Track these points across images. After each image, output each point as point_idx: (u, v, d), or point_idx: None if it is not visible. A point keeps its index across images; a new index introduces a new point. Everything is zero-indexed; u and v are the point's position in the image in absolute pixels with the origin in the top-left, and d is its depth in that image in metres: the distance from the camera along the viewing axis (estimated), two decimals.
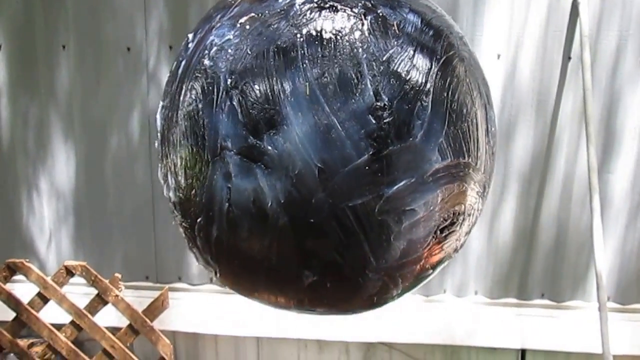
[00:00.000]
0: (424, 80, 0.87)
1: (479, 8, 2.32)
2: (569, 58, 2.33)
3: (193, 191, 0.91)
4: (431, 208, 0.90)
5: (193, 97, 0.90)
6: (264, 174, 0.83)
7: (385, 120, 0.83)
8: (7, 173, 2.66)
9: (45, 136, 2.60)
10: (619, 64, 2.32)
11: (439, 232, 0.95)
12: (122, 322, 2.31)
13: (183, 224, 0.98)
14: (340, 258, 0.87)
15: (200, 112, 0.88)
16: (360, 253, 0.87)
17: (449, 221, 0.95)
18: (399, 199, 0.86)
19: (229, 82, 0.85)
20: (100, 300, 2.28)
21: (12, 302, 2.29)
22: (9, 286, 2.29)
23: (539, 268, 2.51)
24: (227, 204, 0.87)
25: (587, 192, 2.26)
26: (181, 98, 0.91)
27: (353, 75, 0.83)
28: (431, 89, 0.87)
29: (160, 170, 1.00)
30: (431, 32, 0.92)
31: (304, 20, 0.86)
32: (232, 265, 0.95)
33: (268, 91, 0.83)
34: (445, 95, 0.89)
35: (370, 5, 0.89)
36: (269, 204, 0.84)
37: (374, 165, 0.83)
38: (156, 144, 1.03)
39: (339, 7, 0.88)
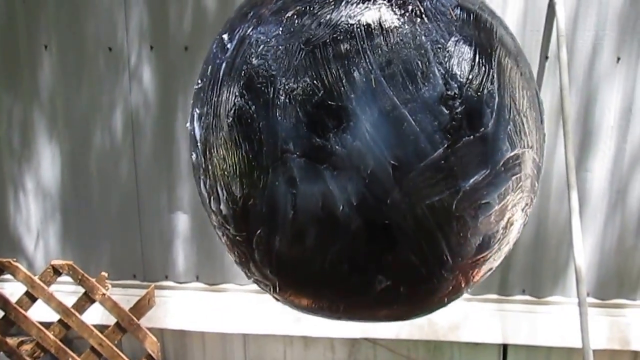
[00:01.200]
0: (488, 67, 0.82)
1: None
2: (546, 57, 2.32)
3: (251, 201, 0.83)
4: (504, 200, 0.85)
5: (243, 100, 0.82)
6: (333, 176, 0.77)
7: (457, 110, 0.78)
8: None
9: (30, 135, 2.59)
10: (595, 63, 2.31)
11: (509, 224, 0.90)
12: (110, 320, 2.31)
13: (237, 237, 0.90)
14: (416, 259, 0.82)
15: (254, 115, 0.80)
16: (438, 252, 0.83)
17: (517, 212, 0.90)
18: (475, 192, 0.81)
19: (284, 81, 0.78)
20: (87, 299, 2.28)
21: (0, 301, 2.30)
22: None
23: (520, 264, 2.51)
24: (292, 211, 0.80)
25: (565, 190, 2.25)
26: (226, 102, 0.84)
27: (420, 64, 0.78)
28: (495, 76, 0.82)
29: (203, 184, 0.91)
30: (484, 19, 0.87)
31: (359, 10, 0.80)
32: (295, 277, 0.89)
33: (330, 87, 0.77)
34: (507, 82, 0.85)
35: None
36: (340, 208, 0.78)
37: (450, 159, 0.78)
38: (193, 157, 0.94)
39: None
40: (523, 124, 0.85)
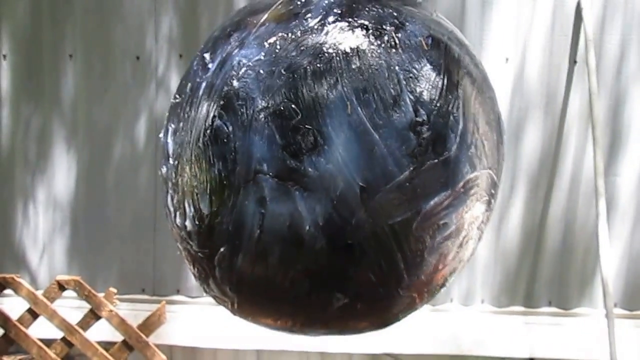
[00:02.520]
0: (454, 94, 0.88)
1: (486, 13, 2.31)
2: (575, 62, 2.32)
3: (218, 219, 0.86)
4: (461, 220, 0.90)
5: (221, 120, 0.85)
6: (303, 197, 0.80)
7: (424, 135, 0.83)
8: (4, 184, 2.58)
9: (47, 146, 2.54)
10: (623, 67, 2.31)
11: (464, 242, 0.95)
12: (117, 336, 2.23)
13: (199, 254, 0.92)
14: (374, 278, 0.86)
15: (231, 135, 0.83)
16: (396, 272, 0.86)
17: (473, 230, 0.95)
18: (435, 213, 0.86)
19: (262, 104, 0.82)
20: (93, 316, 2.19)
21: (0, 318, 2.16)
22: None
23: (546, 275, 2.47)
24: (258, 230, 0.83)
25: (593, 196, 2.23)
26: (203, 121, 0.86)
27: (392, 92, 0.83)
28: (460, 103, 0.88)
29: (170, 198, 0.93)
30: (453, 48, 0.94)
31: (338, 39, 0.85)
32: (255, 295, 0.92)
33: (306, 111, 0.81)
34: (471, 108, 0.90)
35: (397, 22, 0.90)
36: (307, 228, 0.81)
37: (414, 181, 0.83)
38: (163, 170, 0.96)
39: (369, 25, 0.88)
40: (484, 147, 0.92)
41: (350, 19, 0.88)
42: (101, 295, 2.19)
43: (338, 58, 0.83)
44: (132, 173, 2.51)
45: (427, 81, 0.85)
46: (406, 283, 0.89)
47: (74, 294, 2.22)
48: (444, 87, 0.87)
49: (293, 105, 0.81)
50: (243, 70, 0.86)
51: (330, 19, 0.88)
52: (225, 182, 0.85)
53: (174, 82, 2.43)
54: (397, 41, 0.87)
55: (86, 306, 2.22)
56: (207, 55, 0.94)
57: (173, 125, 0.94)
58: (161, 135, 1.01)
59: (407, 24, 0.91)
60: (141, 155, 2.48)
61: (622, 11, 2.28)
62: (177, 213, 0.92)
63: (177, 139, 0.92)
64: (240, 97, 0.84)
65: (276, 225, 0.83)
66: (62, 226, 2.57)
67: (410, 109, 0.83)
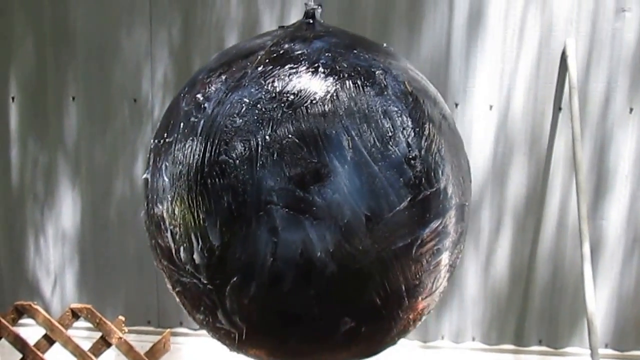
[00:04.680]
0: (437, 134, 1.05)
1: (471, 60, 2.58)
2: (560, 109, 2.57)
3: (230, 249, 0.97)
4: (450, 245, 1.07)
5: (226, 156, 0.97)
6: (313, 225, 0.93)
7: (417, 169, 0.99)
8: (16, 217, 2.91)
9: (54, 182, 2.86)
10: (608, 114, 2.55)
11: (451, 267, 1.12)
12: None
13: (208, 286, 1.02)
14: (379, 301, 0.99)
15: (238, 170, 0.95)
16: (398, 294, 1.01)
17: (454, 255, 1.12)
18: (431, 239, 1.02)
19: (268, 139, 0.94)
20: (103, 343, 2.39)
21: (19, 343, 2.42)
22: (14, 329, 2.52)
23: (535, 314, 2.69)
24: (271, 258, 0.95)
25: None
26: (207, 158, 0.98)
27: (388, 129, 0.98)
28: (442, 141, 1.05)
29: (170, 235, 1.03)
30: (429, 92, 1.11)
31: (333, 81, 1.00)
32: (265, 323, 1.03)
33: (312, 146, 0.94)
34: (450, 146, 1.07)
35: (383, 67, 1.06)
36: (318, 254, 0.93)
37: (412, 210, 0.98)
38: (156, 209, 1.06)
39: (361, 69, 1.03)
40: (463, 181, 1.10)
41: (343, 63, 1.03)
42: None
43: (335, 97, 0.97)
44: (132, 211, 2.79)
45: (414, 121, 1.01)
46: (406, 305, 1.03)
47: (83, 325, 2.47)
48: (430, 128, 1.03)
49: (297, 140, 0.94)
50: (244, 108, 0.99)
51: (323, 62, 1.02)
52: (235, 214, 0.95)
53: None
54: (386, 84, 1.02)
55: (93, 337, 2.45)
56: (199, 96, 1.06)
57: (167, 164, 1.05)
58: (146, 175, 1.14)
59: (392, 69, 1.07)
60: (140, 194, 2.67)
61: (606, 58, 2.52)
62: (181, 248, 1.03)
63: (175, 176, 1.02)
64: (244, 134, 0.97)
65: (288, 253, 0.94)
66: (71, 259, 2.87)
67: (404, 144, 0.98)
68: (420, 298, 1.06)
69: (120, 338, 2.53)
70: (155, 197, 1.09)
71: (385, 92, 1.02)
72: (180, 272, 1.06)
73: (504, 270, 2.73)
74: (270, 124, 0.96)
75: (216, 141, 0.99)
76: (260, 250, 0.96)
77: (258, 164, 0.95)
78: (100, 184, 2.88)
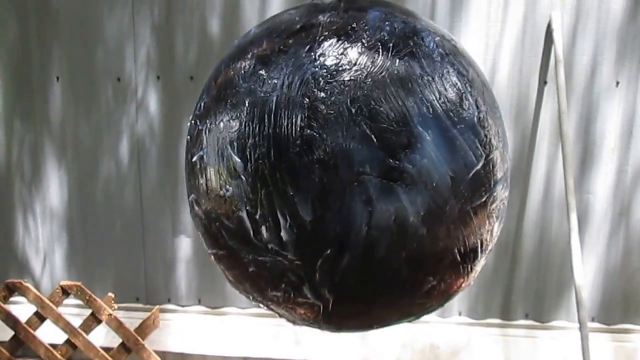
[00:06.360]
0: (492, 94, 1.10)
1: (455, 34, 2.55)
2: (545, 82, 2.58)
3: (323, 224, 0.97)
4: (506, 203, 1.13)
5: (311, 129, 0.96)
6: (405, 192, 0.95)
7: (487, 129, 1.03)
8: (3, 196, 2.95)
9: (40, 162, 2.89)
10: (594, 87, 2.57)
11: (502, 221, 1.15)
12: (113, 342, 2.56)
13: (296, 262, 1.01)
14: (459, 257, 1.03)
15: (326, 142, 0.95)
16: (474, 249, 1.05)
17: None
18: (499, 197, 1.07)
19: (354, 111, 0.95)
20: (94, 319, 2.49)
21: (11, 320, 2.51)
22: (5, 306, 2.54)
23: (521, 288, 2.72)
24: (366, 228, 0.96)
25: (566, 210, 2.49)
26: (289, 133, 0.97)
27: (459, 93, 1.01)
28: (495, 103, 1.10)
29: (248, 216, 1.00)
30: (464, 52, 1.14)
31: (405, 52, 1.03)
32: (354, 292, 1.03)
33: (396, 114, 0.95)
34: (495, 107, 1.11)
35: (432, 32, 1.09)
36: (410, 219, 0.96)
37: (486, 168, 1.02)
38: (231, 190, 1.02)
39: (417, 36, 1.06)
40: (507, 146, 1.14)
41: (404, 31, 1.05)
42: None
43: (408, 65, 1.00)
44: (118, 188, 2.83)
45: (471, 83, 1.05)
46: (478, 259, 1.07)
47: (73, 303, 2.53)
48: (481, 86, 1.07)
49: (382, 109, 0.95)
50: (322, 81, 0.98)
51: (387, 30, 1.04)
52: (328, 187, 0.95)
53: (153, 103, 2.73)
54: (443, 49, 1.06)
55: (84, 314, 2.53)
56: (263, 72, 1.04)
57: (235, 144, 1.02)
58: (197, 158, 1.09)
59: (440, 32, 1.10)
60: (125, 173, 2.82)
61: (592, 31, 2.54)
62: (264, 227, 1.00)
63: (253, 155, 1.00)
64: (328, 106, 0.96)
65: (383, 221, 0.96)
66: (59, 237, 2.92)
67: (474, 106, 1.02)
68: (487, 252, 1.11)
69: (110, 315, 2.62)
70: (218, 178, 1.06)
71: (447, 57, 1.05)
72: (259, 252, 1.04)
73: None
74: (353, 94, 0.96)
75: (297, 115, 0.98)
76: (356, 221, 0.97)
77: (347, 136, 0.95)
78: (86, 162, 2.91)
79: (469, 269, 1.09)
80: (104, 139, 2.89)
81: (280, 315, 1.17)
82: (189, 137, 1.17)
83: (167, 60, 2.77)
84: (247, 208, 1.02)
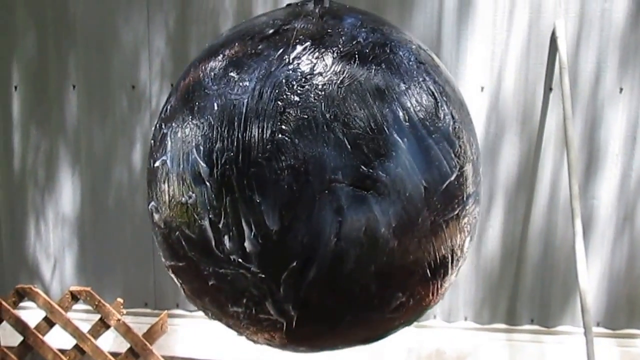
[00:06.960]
0: (466, 108, 1.10)
1: (462, 42, 2.62)
2: (550, 89, 2.61)
3: (290, 233, 0.92)
4: (477, 219, 1.11)
5: (283, 134, 0.92)
6: (377, 201, 0.92)
7: (461, 139, 1.02)
8: (17, 202, 3.00)
9: (54, 168, 2.94)
10: (598, 94, 2.59)
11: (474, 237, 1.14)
12: (122, 347, 2.57)
13: (259, 275, 0.96)
14: (429, 272, 1.01)
15: (298, 148, 0.91)
16: (445, 264, 1.03)
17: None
18: (471, 210, 1.05)
19: (328, 116, 0.92)
20: (102, 324, 2.51)
21: (20, 326, 2.53)
22: (15, 312, 2.56)
23: (527, 293, 2.74)
24: (335, 239, 0.92)
25: (571, 216, 2.50)
26: (259, 139, 0.93)
27: (435, 102, 1.01)
28: (468, 115, 1.09)
29: (210, 225, 0.95)
30: (437, 62, 1.13)
31: (382, 59, 1.01)
32: (319, 308, 0.99)
33: (371, 121, 0.93)
34: (463, 111, 1.10)
35: (415, 45, 1.09)
36: (381, 230, 0.93)
37: (460, 180, 1.01)
38: (193, 197, 0.97)
39: (395, 44, 1.05)
40: (480, 160, 1.13)
41: (381, 39, 1.04)
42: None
43: (385, 71, 0.98)
44: (130, 196, 2.87)
45: (447, 93, 1.04)
46: (449, 274, 1.05)
47: (82, 308, 2.56)
48: (456, 97, 1.06)
49: (357, 116, 0.93)
50: (296, 85, 0.95)
51: (363, 37, 1.02)
52: (297, 195, 0.91)
53: None
54: (420, 58, 1.05)
55: (92, 319, 2.54)
56: (234, 74, 0.99)
57: (201, 148, 0.97)
58: (159, 163, 1.05)
59: (417, 42, 1.10)
60: (137, 180, 2.84)
61: (596, 39, 2.56)
62: (226, 238, 0.95)
63: (218, 160, 0.95)
64: (302, 111, 0.93)
65: (352, 232, 0.92)
66: (70, 243, 2.96)
67: (450, 116, 1.00)
68: (457, 268, 1.08)
69: (119, 320, 2.64)
70: (180, 184, 1.01)
71: (422, 66, 1.04)
72: (220, 264, 0.99)
73: (495, 249, 2.78)
74: (328, 99, 0.94)
75: (268, 120, 0.94)
76: (324, 232, 0.92)
77: (319, 142, 0.92)
78: (99, 169, 2.96)
79: (439, 285, 1.06)
80: (117, 146, 2.94)
81: (240, 334, 1.12)
82: (152, 141, 1.13)
83: (181, 69, 2.80)
84: (210, 216, 0.97)
